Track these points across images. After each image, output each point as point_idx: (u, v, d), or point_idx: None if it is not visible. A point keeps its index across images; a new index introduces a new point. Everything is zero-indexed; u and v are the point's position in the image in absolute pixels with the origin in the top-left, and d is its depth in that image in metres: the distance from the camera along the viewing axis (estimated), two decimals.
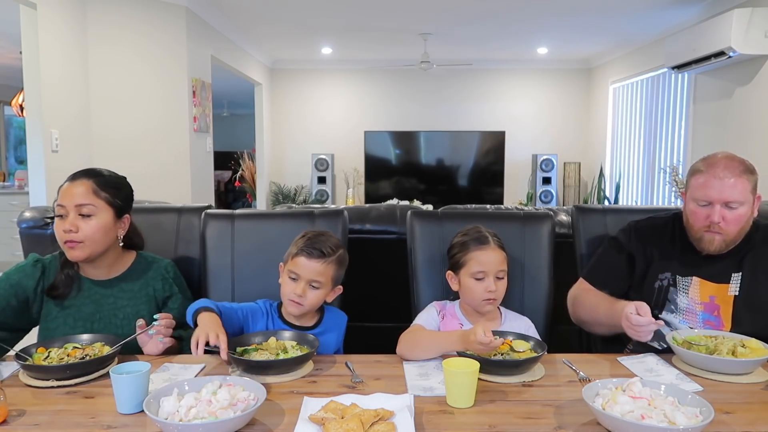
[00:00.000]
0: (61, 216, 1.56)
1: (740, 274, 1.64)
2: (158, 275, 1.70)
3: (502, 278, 1.64)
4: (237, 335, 1.56)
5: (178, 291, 1.72)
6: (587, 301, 1.72)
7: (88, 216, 1.56)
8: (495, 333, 1.53)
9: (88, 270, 1.65)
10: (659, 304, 1.69)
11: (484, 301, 1.63)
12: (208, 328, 1.41)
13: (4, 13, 4.73)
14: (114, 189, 1.63)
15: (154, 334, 1.52)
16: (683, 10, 5.08)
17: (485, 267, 1.62)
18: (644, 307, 1.45)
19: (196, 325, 1.48)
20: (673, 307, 1.67)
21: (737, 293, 1.63)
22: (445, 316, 1.68)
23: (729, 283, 1.64)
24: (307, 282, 1.60)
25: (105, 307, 1.63)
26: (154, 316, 1.53)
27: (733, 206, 1.57)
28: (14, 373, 1.40)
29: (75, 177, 1.60)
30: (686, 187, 1.68)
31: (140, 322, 1.53)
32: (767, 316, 1.60)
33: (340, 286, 1.70)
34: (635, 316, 1.42)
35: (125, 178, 1.72)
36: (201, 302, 1.55)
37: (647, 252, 1.73)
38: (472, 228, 1.70)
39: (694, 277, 1.66)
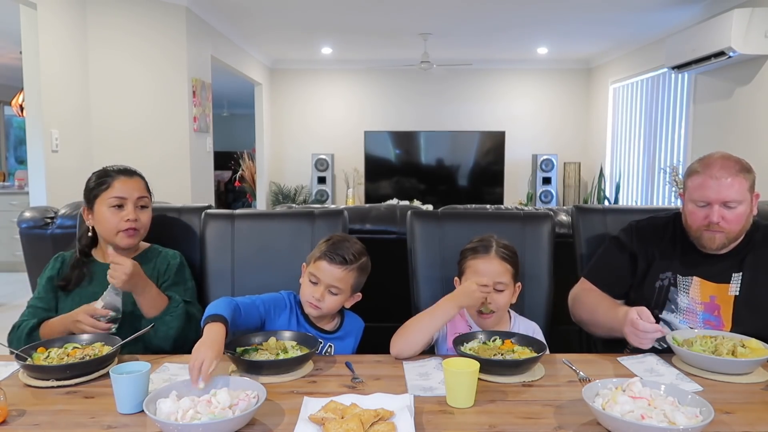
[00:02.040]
0: (117, 206, 1.70)
1: (741, 274, 1.64)
2: (164, 261, 1.77)
3: (502, 291, 1.60)
4: (258, 329, 1.57)
5: (180, 282, 1.75)
6: (587, 300, 1.72)
7: (145, 207, 1.76)
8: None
9: (102, 255, 1.75)
10: (660, 303, 1.69)
11: (478, 312, 1.61)
12: (203, 354, 1.26)
13: (4, 13, 4.73)
14: (148, 185, 1.82)
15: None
16: (683, 10, 5.08)
17: (482, 277, 1.59)
18: (646, 312, 1.44)
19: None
20: (673, 306, 1.67)
21: (738, 293, 1.63)
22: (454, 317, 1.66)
23: (729, 283, 1.64)
24: (326, 287, 1.60)
25: (108, 286, 1.68)
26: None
27: (731, 206, 1.57)
28: (14, 373, 1.40)
29: (128, 173, 1.76)
30: (684, 188, 1.68)
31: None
32: (764, 315, 1.60)
33: (359, 294, 1.69)
34: (642, 323, 1.41)
35: None
36: (217, 307, 1.46)
37: (648, 251, 1.73)
38: (487, 236, 1.68)
39: (694, 277, 1.66)
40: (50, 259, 1.77)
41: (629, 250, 1.75)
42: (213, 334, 1.34)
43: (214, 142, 5.58)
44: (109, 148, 4.51)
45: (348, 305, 1.68)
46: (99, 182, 1.72)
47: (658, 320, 1.69)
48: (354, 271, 1.62)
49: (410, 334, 1.50)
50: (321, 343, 1.59)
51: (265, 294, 1.67)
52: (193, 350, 1.27)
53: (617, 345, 1.71)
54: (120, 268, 1.53)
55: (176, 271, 1.76)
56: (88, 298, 1.66)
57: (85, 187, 1.76)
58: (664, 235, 1.74)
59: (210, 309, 1.46)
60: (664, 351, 1.57)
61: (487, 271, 1.60)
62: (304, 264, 1.68)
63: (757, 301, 1.61)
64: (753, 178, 1.61)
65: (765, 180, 4.04)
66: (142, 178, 1.79)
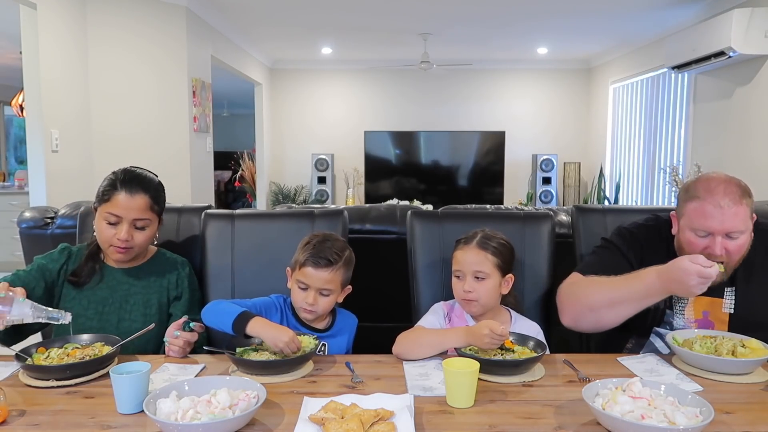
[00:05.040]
0: (111, 223, 1.64)
1: (733, 289, 1.58)
2: (174, 270, 1.76)
3: (482, 279, 1.60)
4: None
5: (188, 293, 1.75)
6: (593, 282, 1.58)
7: (142, 228, 1.67)
8: None
9: (112, 259, 1.72)
10: (655, 322, 1.64)
11: (462, 300, 1.63)
12: (286, 333, 1.43)
13: (4, 13, 4.72)
14: (161, 200, 1.73)
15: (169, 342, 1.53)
16: (683, 10, 5.08)
17: (461, 266, 1.62)
18: (700, 258, 1.34)
19: (236, 331, 1.48)
20: (667, 327, 1.63)
21: (732, 311, 1.58)
22: (452, 319, 1.67)
23: (723, 297, 1.58)
24: (317, 290, 1.60)
25: (119, 292, 1.69)
26: (190, 324, 1.54)
27: (734, 236, 1.48)
28: (14, 373, 1.40)
29: (131, 188, 1.65)
30: (680, 210, 1.57)
31: (152, 326, 1.53)
32: (763, 333, 1.51)
33: (349, 286, 1.69)
34: (710, 269, 1.32)
35: (158, 177, 1.77)
36: (232, 308, 1.52)
37: (644, 263, 1.61)
38: (479, 229, 1.68)
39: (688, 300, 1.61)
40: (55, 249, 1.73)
41: (626, 256, 1.67)
42: (265, 322, 1.47)
43: (214, 142, 5.58)
44: (109, 148, 4.51)
45: (340, 300, 1.68)
46: (105, 191, 1.65)
47: (650, 332, 1.66)
48: (341, 269, 1.62)
49: (415, 346, 1.51)
50: (319, 341, 1.59)
51: (255, 298, 1.68)
52: (272, 340, 1.41)
53: (617, 345, 1.71)
54: (183, 347, 1.52)
55: (188, 283, 1.76)
56: (97, 302, 1.67)
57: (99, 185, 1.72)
58: (657, 247, 1.66)
59: (229, 311, 1.49)
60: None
61: (466, 261, 1.61)
62: (288, 269, 1.68)
63: (753, 319, 1.55)
64: (752, 203, 1.51)
65: (764, 180, 4.03)
66: (150, 193, 1.67)
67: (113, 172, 1.69)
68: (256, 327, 1.46)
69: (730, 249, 1.49)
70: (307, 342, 1.48)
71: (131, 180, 1.66)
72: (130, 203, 1.63)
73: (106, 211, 1.63)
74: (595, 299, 1.54)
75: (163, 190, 1.76)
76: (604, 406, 1.13)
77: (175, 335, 1.51)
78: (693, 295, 1.39)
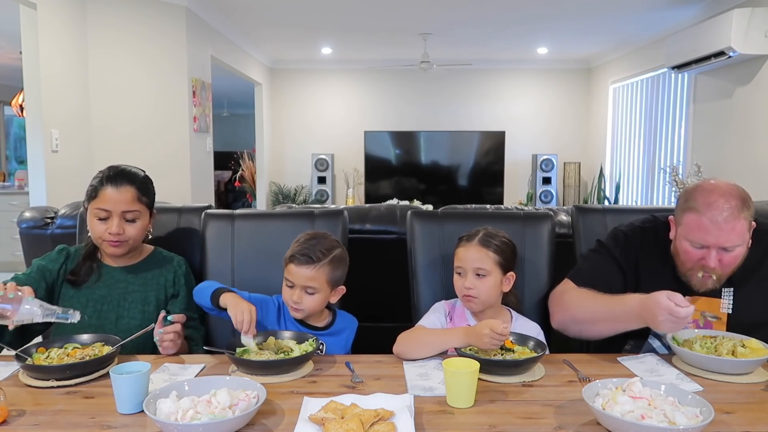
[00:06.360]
0: (102, 218, 1.66)
1: (732, 290, 1.58)
2: (171, 268, 1.77)
3: (483, 276, 1.60)
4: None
5: (184, 291, 1.76)
6: (581, 296, 1.61)
7: (132, 220, 1.68)
8: None
9: (109, 258, 1.74)
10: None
11: (463, 297, 1.63)
12: (244, 307, 1.49)
13: (4, 13, 4.73)
14: (150, 192, 1.75)
15: (160, 335, 1.53)
16: (683, 10, 5.08)
17: (462, 263, 1.63)
18: (678, 297, 1.34)
19: (214, 305, 1.55)
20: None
21: (730, 311, 1.57)
22: (453, 318, 1.67)
23: (721, 298, 1.58)
24: (301, 288, 1.59)
25: (116, 290, 1.70)
26: (168, 318, 1.54)
27: (730, 249, 1.48)
28: (14, 373, 1.40)
29: (117, 182, 1.67)
30: (677, 218, 1.57)
31: (152, 326, 1.54)
32: (761, 333, 1.51)
33: (342, 287, 1.67)
34: (683, 310, 1.33)
35: (145, 172, 1.78)
36: (215, 284, 1.59)
37: (638, 267, 1.64)
38: (482, 227, 1.69)
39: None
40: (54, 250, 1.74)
41: (619, 261, 1.67)
42: (234, 296, 1.54)
43: (214, 142, 5.58)
44: (109, 148, 4.51)
45: (333, 300, 1.67)
46: (91, 188, 1.68)
47: (648, 334, 1.65)
48: (325, 267, 1.60)
49: (415, 346, 1.51)
50: (317, 340, 1.58)
51: (255, 294, 1.68)
52: (233, 310, 1.48)
53: (615, 347, 1.70)
54: (173, 340, 1.53)
55: (184, 282, 1.77)
56: (95, 301, 1.68)
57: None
58: (652, 250, 1.65)
59: (209, 287, 1.58)
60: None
61: (467, 258, 1.62)
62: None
63: (751, 320, 1.55)
64: (752, 213, 1.50)
65: (764, 180, 4.04)
66: (137, 185, 1.69)
67: (100, 171, 1.72)
68: (225, 299, 1.53)
69: (725, 261, 1.50)
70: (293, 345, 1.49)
71: (116, 175, 1.69)
72: (117, 196, 1.65)
73: (95, 207, 1.66)
74: (579, 313, 1.60)
75: (151, 183, 1.77)
76: (604, 406, 1.13)
77: (160, 333, 1.52)
78: (661, 331, 1.40)
